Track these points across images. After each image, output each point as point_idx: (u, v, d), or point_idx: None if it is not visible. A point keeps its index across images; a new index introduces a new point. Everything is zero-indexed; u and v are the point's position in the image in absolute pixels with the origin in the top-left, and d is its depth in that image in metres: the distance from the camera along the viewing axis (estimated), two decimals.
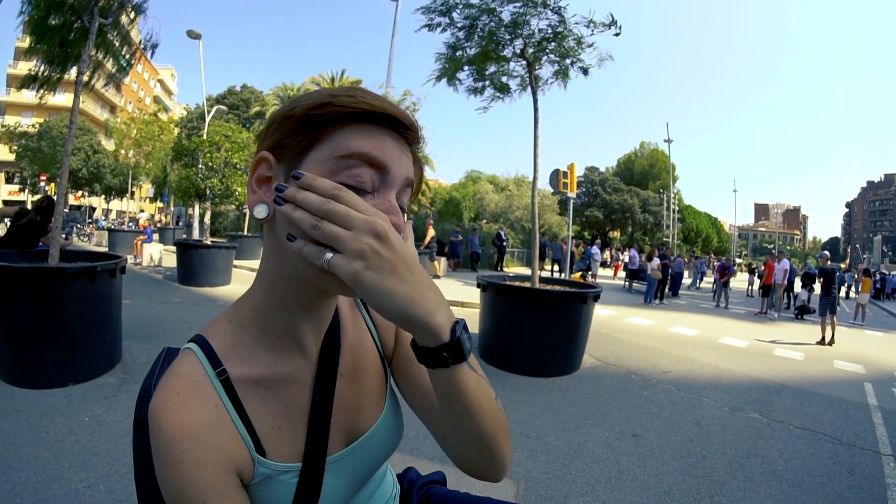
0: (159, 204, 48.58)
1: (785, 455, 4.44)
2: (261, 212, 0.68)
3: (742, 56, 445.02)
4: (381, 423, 0.88)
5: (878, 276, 35.12)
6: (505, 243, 21.74)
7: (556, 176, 12.59)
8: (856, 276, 23.18)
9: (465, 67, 7.17)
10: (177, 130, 34.58)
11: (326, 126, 0.65)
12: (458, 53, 6.98)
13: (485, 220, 31.55)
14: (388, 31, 12.12)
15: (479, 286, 6.74)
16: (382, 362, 0.93)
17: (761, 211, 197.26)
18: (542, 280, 7.58)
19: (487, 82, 7.28)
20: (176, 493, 0.65)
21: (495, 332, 6.41)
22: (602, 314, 11.72)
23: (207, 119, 21.37)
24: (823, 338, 11.08)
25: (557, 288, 6.77)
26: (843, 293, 30.24)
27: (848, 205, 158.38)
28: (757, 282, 22.41)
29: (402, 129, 0.69)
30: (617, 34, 6.54)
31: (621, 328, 10.31)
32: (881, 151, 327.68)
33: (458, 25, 6.80)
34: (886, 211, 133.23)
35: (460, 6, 6.68)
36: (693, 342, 9.54)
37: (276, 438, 0.75)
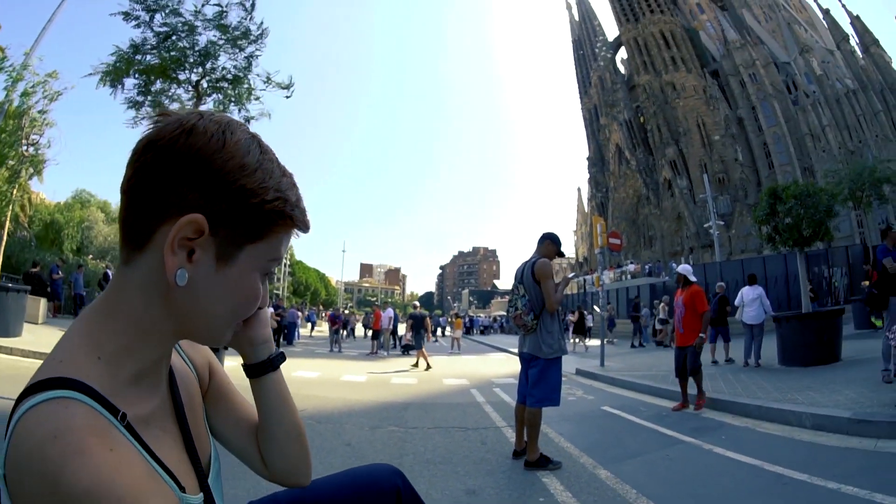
0: None
1: (430, 448, 5.08)
2: (182, 278, 0.65)
3: (358, 144, 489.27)
4: (214, 450, 0.89)
5: (467, 319, 45.79)
6: None
7: None
8: (450, 318, 28.36)
9: (136, 75, 6.37)
10: None
11: (272, 230, 0.70)
12: (137, 56, 6.18)
13: (91, 256, 26.39)
14: None
15: None
16: (199, 389, 0.92)
17: (366, 269, 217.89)
18: None
19: (150, 99, 6.59)
20: None
21: None
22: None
23: None
24: (427, 365, 13.16)
25: None
26: (440, 332, 37.41)
27: (441, 267, 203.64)
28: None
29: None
30: (288, 97, 6.73)
31: (243, 376, 10.00)
32: (472, 229, 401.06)
33: (155, 30, 6.10)
34: (472, 272, 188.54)
35: (167, 11, 5.99)
36: (317, 382, 9.90)
37: (183, 473, 0.72)
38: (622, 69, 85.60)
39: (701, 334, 6.82)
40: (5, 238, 14.16)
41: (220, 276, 0.67)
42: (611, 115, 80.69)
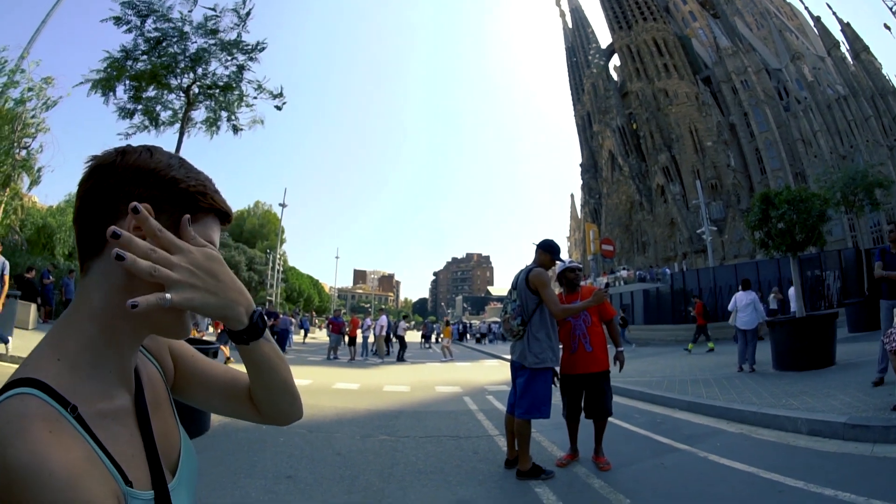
0: None
1: (421, 457, 5.02)
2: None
3: (360, 144, 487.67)
4: (185, 448, 0.92)
5: (460, 325, 45.90)
6: None
7: None
8: (441, 326, 28.49)
9: (127, 82, 6.34)
10: None
11: (201, 212, 0.80)
12: (128, 62, 6.15)
13: None
14: None
15: None
16: (165, 387, 0.96)
17: (360, 276, 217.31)
18: None
19: (141, 107, 6.55)
20: None
21: None
22: None
23: None
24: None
25: None
26: (433, 339, 37.06)
27: (435, 274, 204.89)
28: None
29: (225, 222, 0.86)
30: (278, 107, 6.67)
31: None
32: (466, 235, 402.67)
33: (146, 35, 6.07)
34: (466, 278, 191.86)
35: (159, 15, 5.97)
36: (309, 390, 9.72)
37: (134, 467, 0.74)
38: (615, 76, 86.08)
39: (620, 348, 5.11)
40: None
41: None
42: (603, 121, 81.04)
